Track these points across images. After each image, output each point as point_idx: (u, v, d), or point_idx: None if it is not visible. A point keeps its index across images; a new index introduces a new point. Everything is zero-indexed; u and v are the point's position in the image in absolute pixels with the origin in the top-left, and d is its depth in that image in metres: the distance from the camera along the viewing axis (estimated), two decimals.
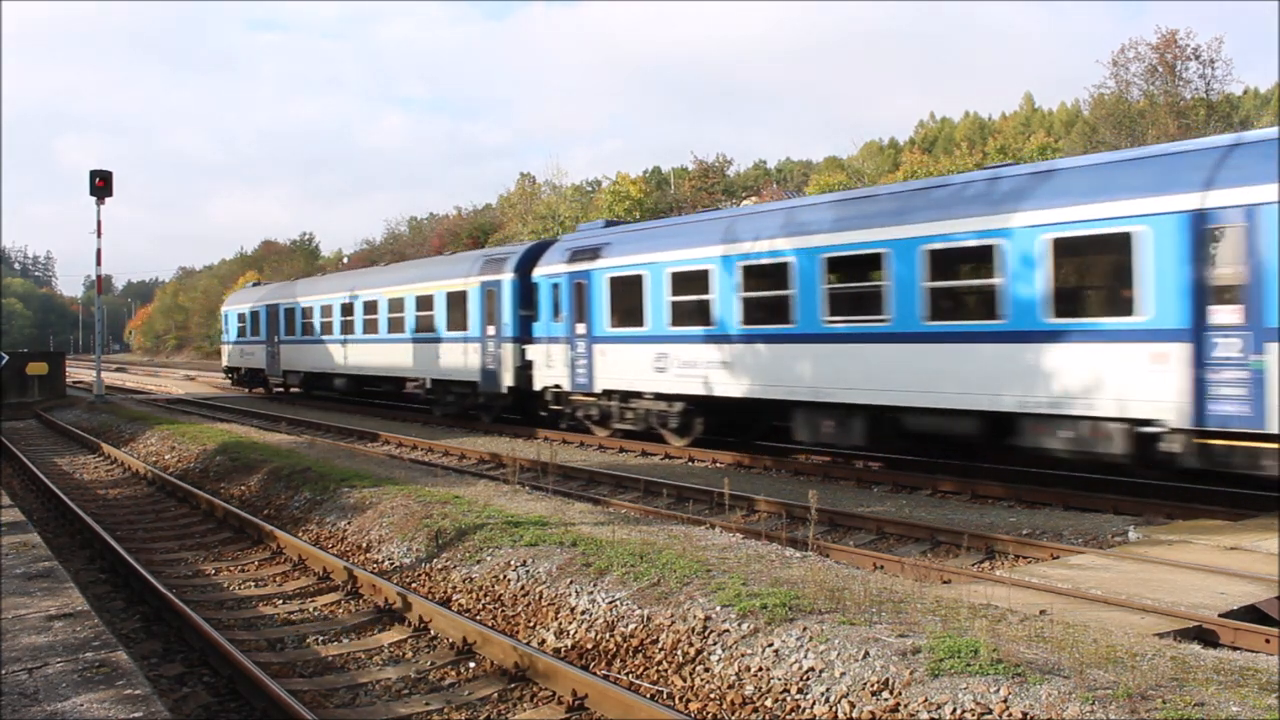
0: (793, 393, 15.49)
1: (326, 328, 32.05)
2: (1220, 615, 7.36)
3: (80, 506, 12.94)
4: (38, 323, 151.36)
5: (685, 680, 6.23)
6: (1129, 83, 36.28)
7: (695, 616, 6.71)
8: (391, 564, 9.70)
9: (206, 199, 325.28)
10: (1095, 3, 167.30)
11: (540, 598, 7.88)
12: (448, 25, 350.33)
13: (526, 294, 22.09)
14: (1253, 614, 7.64)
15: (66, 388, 34.97)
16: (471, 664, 6.99)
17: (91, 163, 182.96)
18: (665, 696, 6.10)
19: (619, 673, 6.54)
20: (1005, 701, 4.96)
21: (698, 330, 17.16)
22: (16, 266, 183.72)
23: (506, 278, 22.68)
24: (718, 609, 6.70)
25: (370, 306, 29.46)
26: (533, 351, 21.61)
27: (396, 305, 27.87)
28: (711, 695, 5.99)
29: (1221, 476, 11.67)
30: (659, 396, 18.20)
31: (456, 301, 24.66)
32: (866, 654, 5.71)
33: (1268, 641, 6.88)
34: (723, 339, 16.67)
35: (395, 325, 27.86)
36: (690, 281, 17.41)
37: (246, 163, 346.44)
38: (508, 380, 22.41)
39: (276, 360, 35.79)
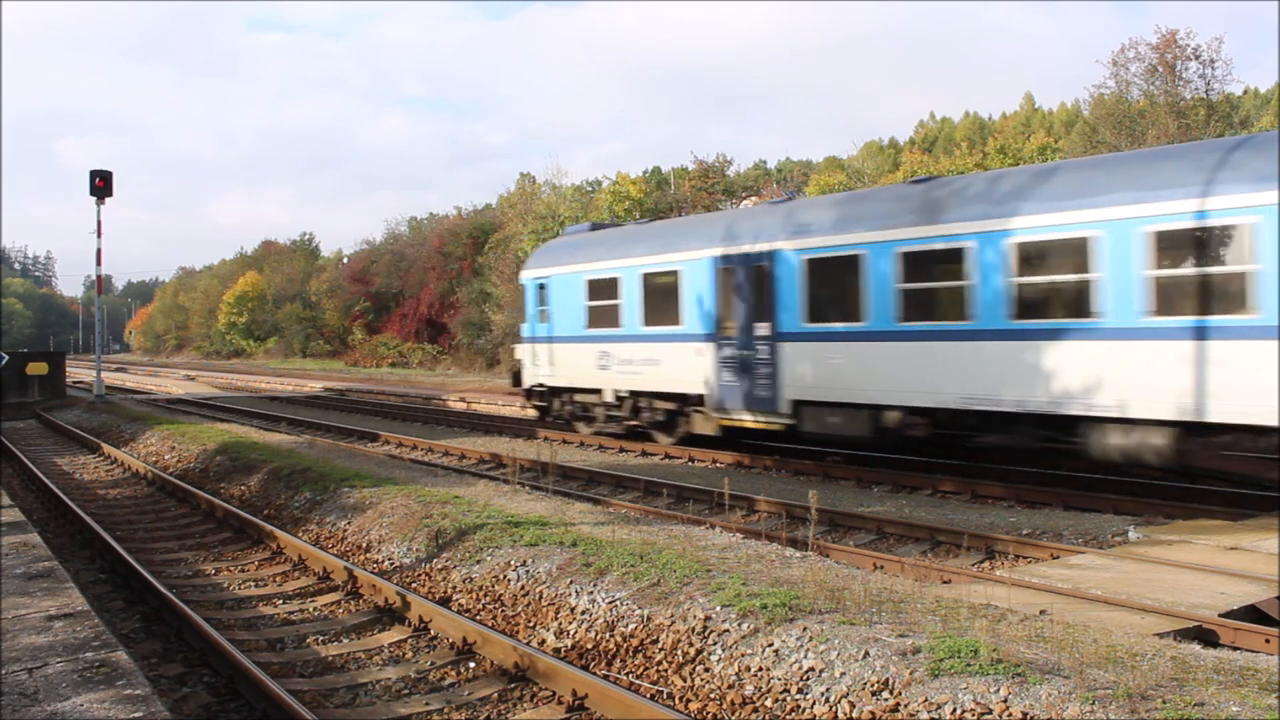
0: None
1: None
2: (1220, 615, 7.36)
3: (80, 506, 12.93)
4: (38, 323, 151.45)
5: (685, 680, 6.23)
6: (1129, 83, 36.24)
7: (695, 616, 6.71)
8: (391, 564, 9.70)
9: (206, 199, 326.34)
10: (1095, 3, 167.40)
11: (540, 598, 7.88)
12: (448, 25, 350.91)
13: None
14: (1253, 614, 7.64)
15: (66, 388, 34.93)
16: (471, 664, 6.99)
17: (92, 163, 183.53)
18: (665, 696, 6.10)
19: (619, 673, 6.54)
20: (1005, 701, 4.96)
21: None
22: (16, 266, 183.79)
23: None
24: (718, 609, 6.70)
25: None
26: None
27: None
28: (711, 695, 5.99)
29: (1221, 477, 11.69)
30: None
31: None
32: (866, 654, 5.71)
33: (1268, 641, 6.88)
34: None
35: None
36: None
37: (246, 163, 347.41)
38: None
39: (771, 376, 15.73)
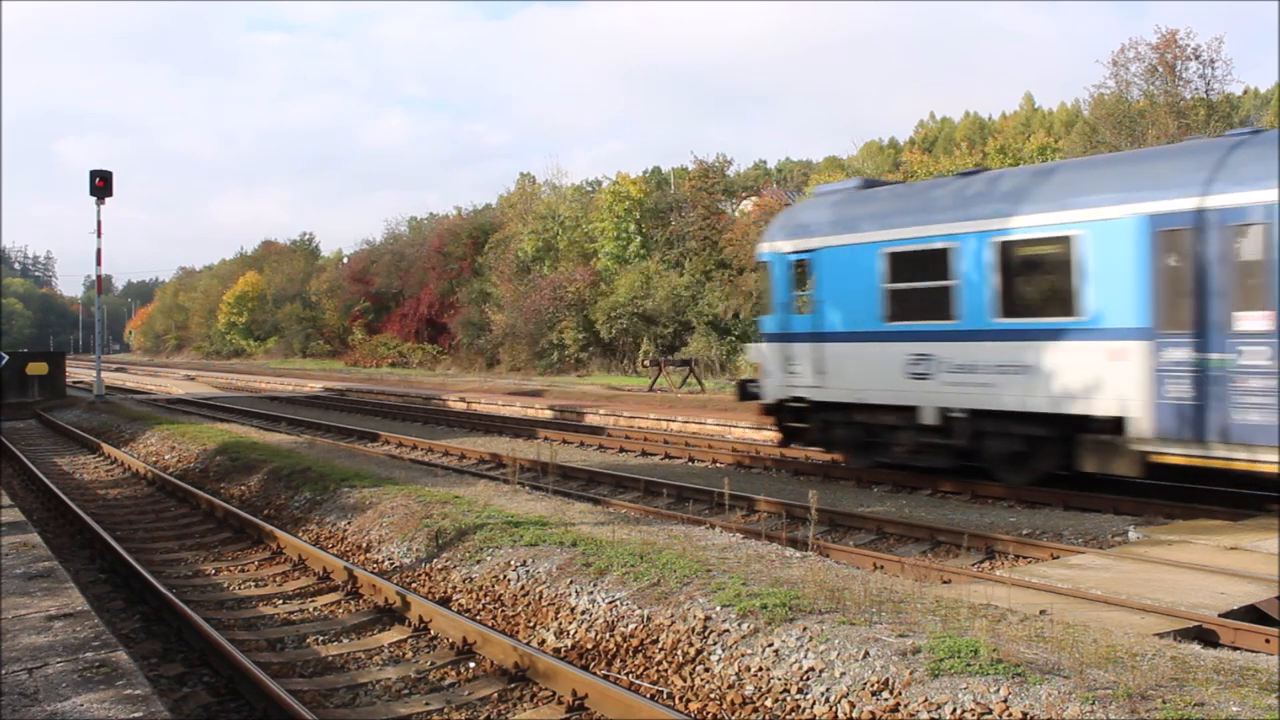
0: None
1: None
2: (1220, 615, 7.37)
3: (80, 506, 12.93)
4: (38, 323, 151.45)
5: (685, 680, 6.23)
6: (1129, 83, 36.26)
7: (695, 616, 6.71)
8: (391, 564, 9.70)
9: (206, 199, 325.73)
10: (1095, 3, 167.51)
11: (540, 598, 7.88)
12: (448, 25, 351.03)
13: None
14: (1253, 614, 7.65)
15: (66, 388, 34.91)
16: (471, 664, 6.99)
17: (92, 163, 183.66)
18: (665, 696, 6.10)
19: (619, 673, 6.54)
20: (1005, 701, 4.96)
21: None
22: (16, 266, 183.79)
23: None
24: (718, 609, 6.70)
25: None
26: None
27: None
28: (711, 695, 5.99)
29: (1221, 477, 11.69)
30: None
31: None
32: (866, 654, 5.71)
33: (1268, 641, 6.88)
34: None
35: None
36: None
37: (246, 163, 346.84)
38: None
39: (1274, 393, 10.56)
